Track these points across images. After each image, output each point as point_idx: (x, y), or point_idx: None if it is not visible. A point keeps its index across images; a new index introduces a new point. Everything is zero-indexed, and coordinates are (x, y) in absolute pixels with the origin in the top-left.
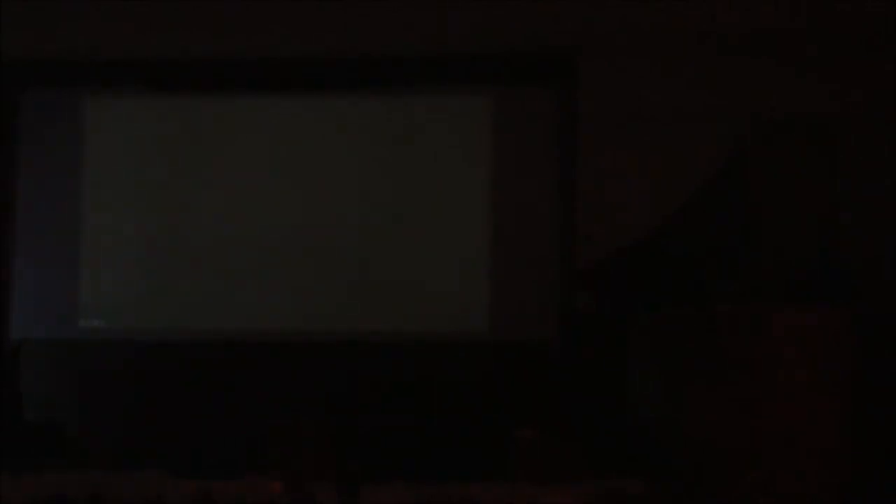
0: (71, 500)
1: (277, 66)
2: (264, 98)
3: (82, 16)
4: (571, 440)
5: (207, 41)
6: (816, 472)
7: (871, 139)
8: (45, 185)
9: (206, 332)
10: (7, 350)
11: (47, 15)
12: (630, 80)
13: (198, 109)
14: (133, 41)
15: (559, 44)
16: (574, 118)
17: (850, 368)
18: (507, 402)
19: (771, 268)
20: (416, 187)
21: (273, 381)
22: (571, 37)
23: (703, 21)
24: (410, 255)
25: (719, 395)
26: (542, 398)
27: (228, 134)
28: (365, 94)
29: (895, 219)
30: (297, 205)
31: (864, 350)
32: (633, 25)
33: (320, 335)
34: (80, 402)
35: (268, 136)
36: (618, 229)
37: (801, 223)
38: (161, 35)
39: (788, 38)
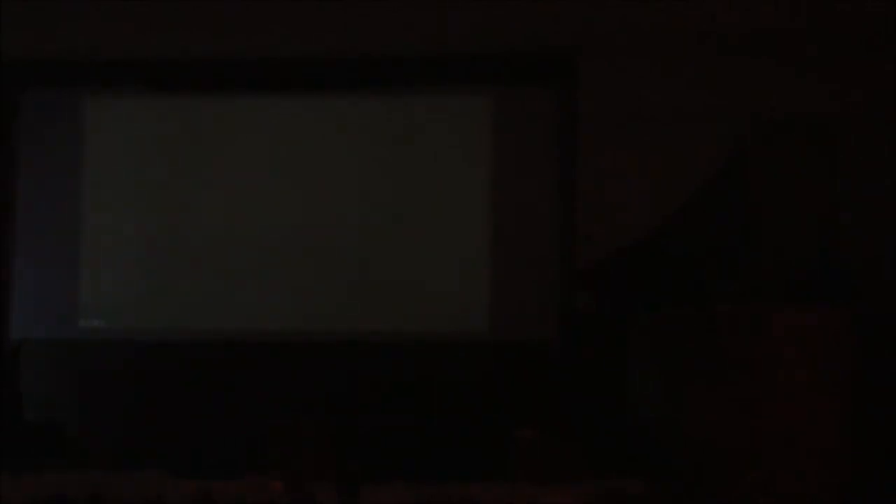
0: (71, 500)
1: (277, 66)
2: (264, 98)
3: (82, 16)
4: (571, 440)
5: (207, 41)
6: (816, 472)
7: (871, 139)
8: (45, 185)
9: (206, 332)
10: (7, 350)
11: (47, 15)
12: (630, 80)
13: (198, 109)
14: (133, 41)
15: (559, 44)
16: (574, 118)
17: (850, 368)
18: (507, 402)
19: (771, 268)
20: (416, 187)
21: (273, 381)
22: (571, 37)
23: (703, 21)
24: (410, 255)
25: (719, 395)
26: (542, 398)
27: (228, 134)
28: (365, 94)
29: (895, 219)
30: (297, 205)
31: (864, 350)
32: (633, 25)
33: (320, 335)
34: (80, 402)
35: (268, 136)
36: (618, 229)
37: (801, 223)
38: (161, 35)
39: (788, 38)
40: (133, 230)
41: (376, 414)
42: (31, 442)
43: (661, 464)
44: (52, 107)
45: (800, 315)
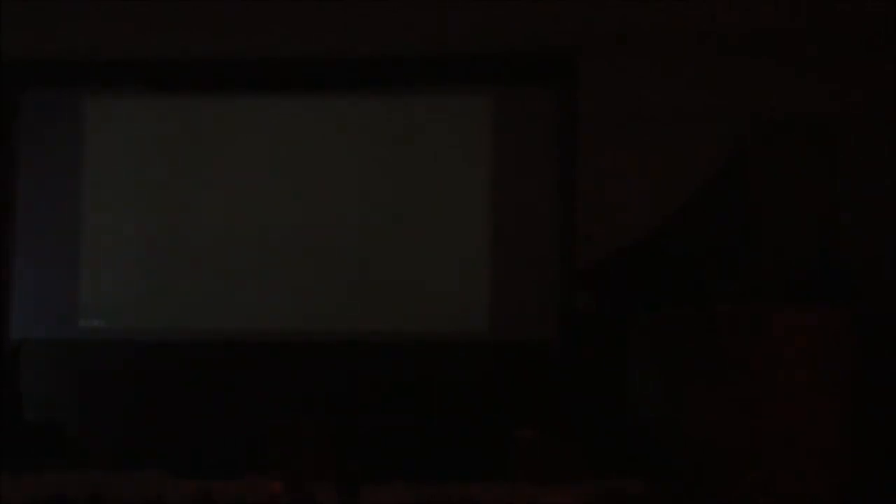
0: (71, 500)
1: (277, 66)
2: (264, 98)
3: (82, 16)
4: (571, 440)
5: (207, 41)
6: (816, 472)
7: (871, 139)
8: (45, 185)
9: (206, 332)
10: (7, 350)
11: (47, 15)
12: (630, 80)
13: (198, 109)
14: (133, 41)
15: (559, 44)
16: (574, 118)
17: (850, 368)
18: (507, 402)
19: (771, 268)
20: (416, 187)
21: (273, 381)
22: (571, 37)
23: (703, 21)
24: (410, 255)
25: (719, 395)
26: (542, 398)
27: (228, 134)
28: (365, 94)
29: (895, 219)
30: (297, 205)
31: (864, 350)
32: (633, 25)
33: (320, 335)
34: (80, 402)
35: (268, 136)
36: (618, 229)
37: (801, 223)
38: (161, 35)
39: (788, 38)
40: (133, 230)
41: (376, 414)
42: (31, 442)
43: (661, 464)
44: (52, 107)
45: (800, 315)
